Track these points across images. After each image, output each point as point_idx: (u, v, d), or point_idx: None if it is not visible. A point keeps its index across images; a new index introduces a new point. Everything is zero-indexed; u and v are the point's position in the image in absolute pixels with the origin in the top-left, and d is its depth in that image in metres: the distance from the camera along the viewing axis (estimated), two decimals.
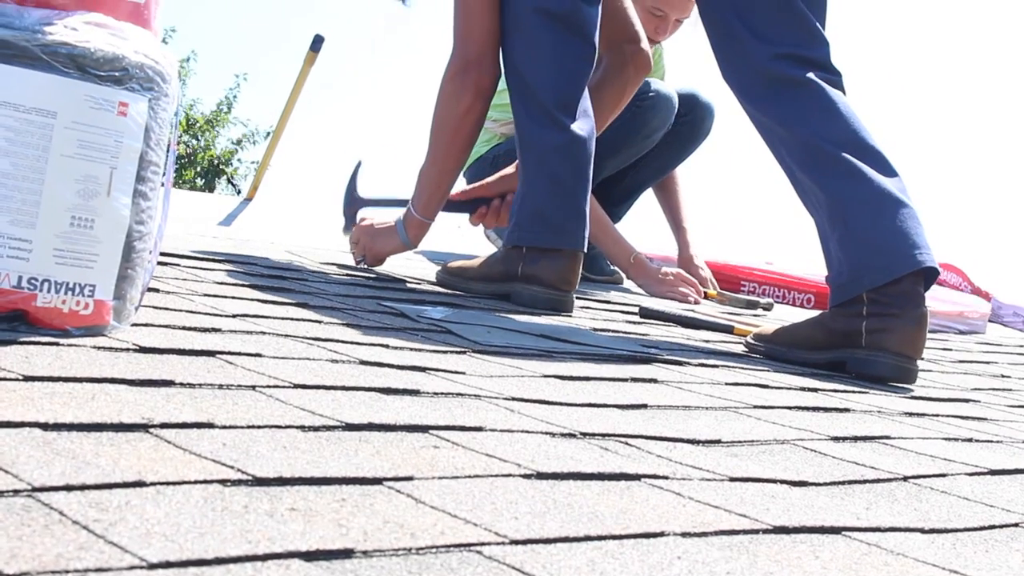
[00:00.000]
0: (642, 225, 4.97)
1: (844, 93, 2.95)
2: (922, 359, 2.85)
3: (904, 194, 2.80)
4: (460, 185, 3.66)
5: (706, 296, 4.46)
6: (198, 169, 26.87)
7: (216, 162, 27.32)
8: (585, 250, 3.17)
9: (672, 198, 4.84)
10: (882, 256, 2.75)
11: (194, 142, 27.04)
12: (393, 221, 3.34)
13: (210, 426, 1.32)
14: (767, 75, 2.93)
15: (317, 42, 5.52)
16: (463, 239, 5.20)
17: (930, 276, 2.80)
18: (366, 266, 3.39)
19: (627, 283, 4.56)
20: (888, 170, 2.83)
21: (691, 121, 4.53)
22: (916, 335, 2.75)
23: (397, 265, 3.60)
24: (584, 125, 3.14)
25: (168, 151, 1.80)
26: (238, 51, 44.05)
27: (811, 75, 2.90)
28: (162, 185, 1.81)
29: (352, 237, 3.45)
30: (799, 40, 2.94)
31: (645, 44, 3.57)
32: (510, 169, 3.66)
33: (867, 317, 2.75)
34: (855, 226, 2.79)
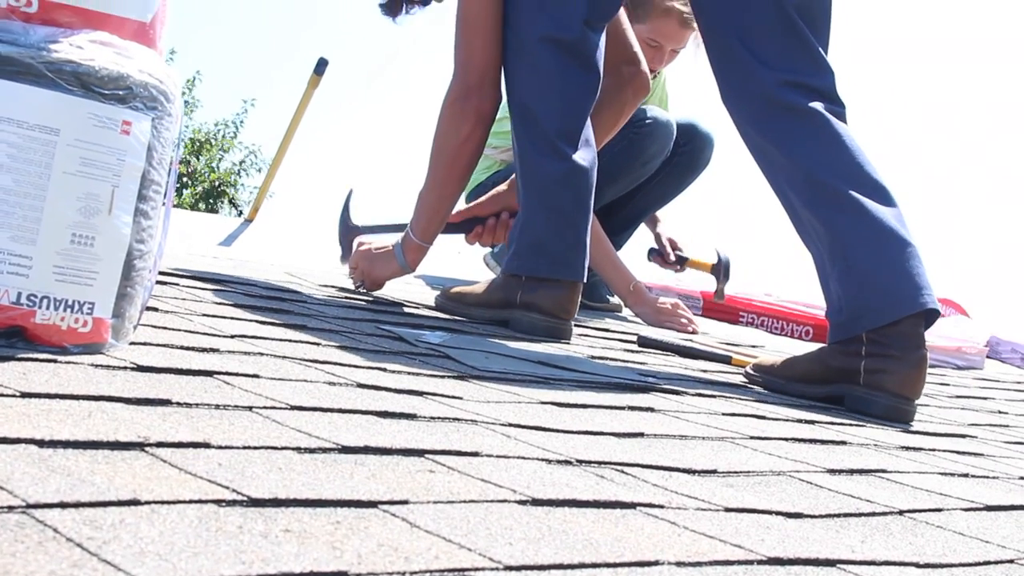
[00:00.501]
0: (641, 254, 4.98)
1: (846, 124, 2.94)
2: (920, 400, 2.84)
3: (905, 229, 2.78)
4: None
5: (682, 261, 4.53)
6: (199, 190, 26.86)
7: (218, 183, 27.33)
8: (584, 280, 3.17)
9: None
10: (883, 297, 2.74)
11: (195, 161, 27.06)
12: (391, 245, 3.34)
13: (206, 446, 1.32)
14: (771, 101, 2.92)
15: (321, 65, 5.53)
16: (462, 264, 5.20)
17: (931, 317, 2.78)
18: (365, 291, 3.39)
19: (625, 311, 4.56)
20: (888, 201, 2.81)
21: (690, 151, 4.53)
22: (915, 377, 2.74)
23: (396, 289, 3.60)
24: (586, 155, 3.13)
25: (170, 170, 1.81)
26: (244, 74, 44.14)
27: (816, 105, 2.89)
28: (163, 204, 1.81)
29: (351, 262, 3.45)
30: (804, 68, 2.93)
31: (644, 66, 3.58)
32: (503, 187, 3.67)
33: (866, 357, 2.75)
34: (856, 264, 2.78)
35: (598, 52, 3.16)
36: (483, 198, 3.70)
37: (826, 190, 2.82)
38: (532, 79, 3.13)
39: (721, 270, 4.46)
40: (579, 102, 3.15)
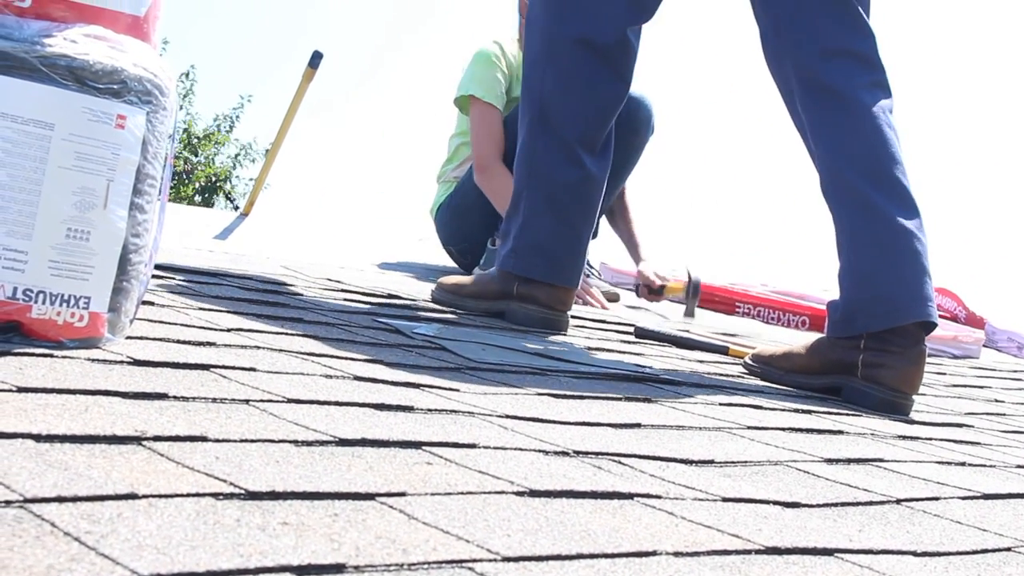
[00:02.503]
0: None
1: (889, 93, 2.87)
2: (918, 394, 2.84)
3: (918, 234, 2.74)
4: None
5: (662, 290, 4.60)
6: (196, 186, 26.84)
7: (214, 179, 27.31)
8: (577, 287, 3.16)
9: (626, 221, 4.90)
10: (880, 304, 2.73)
11: (193, 158, 27.03)
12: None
13: (203, 439, 1.32)
14: (811, 77, 2.86)
15: (316, 58, 5.53)
16: (424, 251, 5.24)
17: (927, 328, 2.77)
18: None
19: (625, 300, 4.58)
20: (907, 206, 2.77)
21: (626, 115, 4.45)
22: (914, 372, 2.73)
23: (391, 281, 3.60)
24: (602, 164, 3.11)
25: (165, 164, 1.81)
26: (240, 69, 44.02)
27: (856, 89, 2.82)
28: (158, 199, 1.81)
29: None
30: (844, 33, 2.87)
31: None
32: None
33: (864, 351, 2.74)
34: (859, 265, 2.76)
35: (633, 61, 3.10)
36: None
37: (841, 184, 2.80)
38: (560, 82, 3.05)
39: (690, 291, 4.61)
40: (606, 111, 3.09)
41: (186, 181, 26.39)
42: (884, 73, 2.90)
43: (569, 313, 3.15)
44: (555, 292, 3.09)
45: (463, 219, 4.50)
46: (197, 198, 26.60)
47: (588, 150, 3.07)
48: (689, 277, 4.64)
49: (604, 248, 5.26)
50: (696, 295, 4.63)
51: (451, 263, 4.80)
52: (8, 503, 0.98)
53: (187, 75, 27.41)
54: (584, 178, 3.07)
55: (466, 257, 4.60)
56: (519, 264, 3.11)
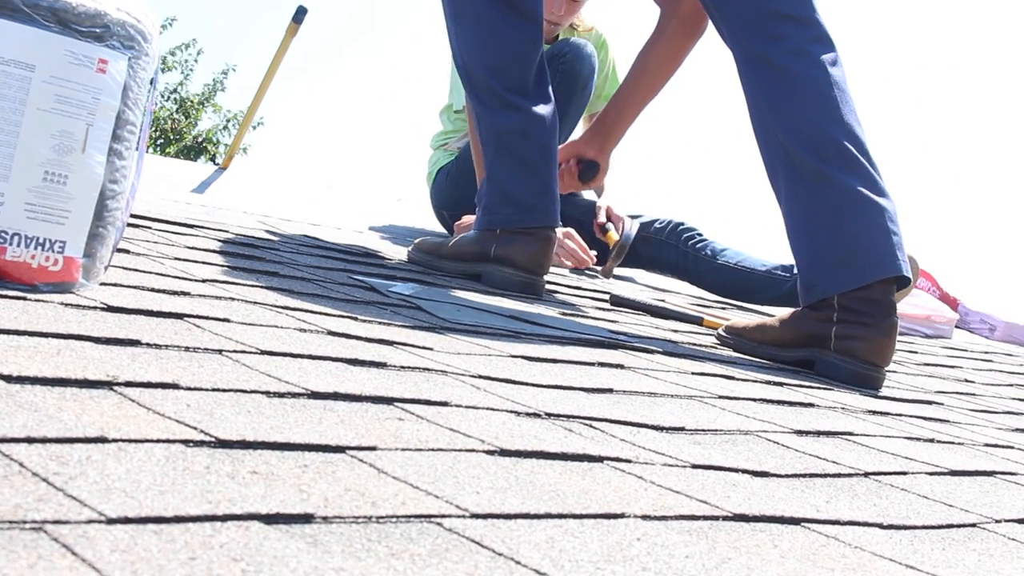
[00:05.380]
0: None
1: (830, 47, 2.84)
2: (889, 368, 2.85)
3: (875, 192, 2.74)
4: None
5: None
6: (180, 147, 26.68)
7: (200, 140, 27.15)
8: (559, 225, 3.16)
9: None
10: (841, 268, 2.73)
11: (183, 119, 26.86)
12: None
13: (175, 387, 1.31)
14: (745, 47, 2.86)
15: (300, 13, 5.48)
16: (403, 211, 5.22)
17: (901, 283, 2.78)
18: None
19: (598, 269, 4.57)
20: (856, 170, 2.75)
21: (566, 63, 4.43)
22: (886, 344, 2.74)
23: (369, 240, 3.59)
24: (542, 103, 3.12)
25: (145, 112, 1.79)
26: (226, 36, 43.70)
27: (788, 55, 2.81)
28: (137, 147, 1.80)
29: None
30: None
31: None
32: (575, 138, 3.66)
33: (837, 323, 2.75)
34: (816, 238, 2.77)
35: (538, 1, 3.12)
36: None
37: (786, 158, 2.80)
38: (473, 38, 3.10)
39: (615, 249, 4.38)
40: (524, 54, 3.11)
41: (174, 140, 26.24)
42: (822, 27, 2.86)
43: (546, 278, 3.15)
44: (534, 247, 3.08)
45: (462, 186, 4.48)
46: (181, 159, 26.44)
47: (520, 93, 3.10)
48: (623, 235, 4.45)
49: None
50: (620, 256, 4.42)
51: (430, 226, 4.79)
52: None
53: (188, 46, 27.14)
54: (528, 120, 3.09)
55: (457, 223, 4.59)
56: (493, 219, 3.11)
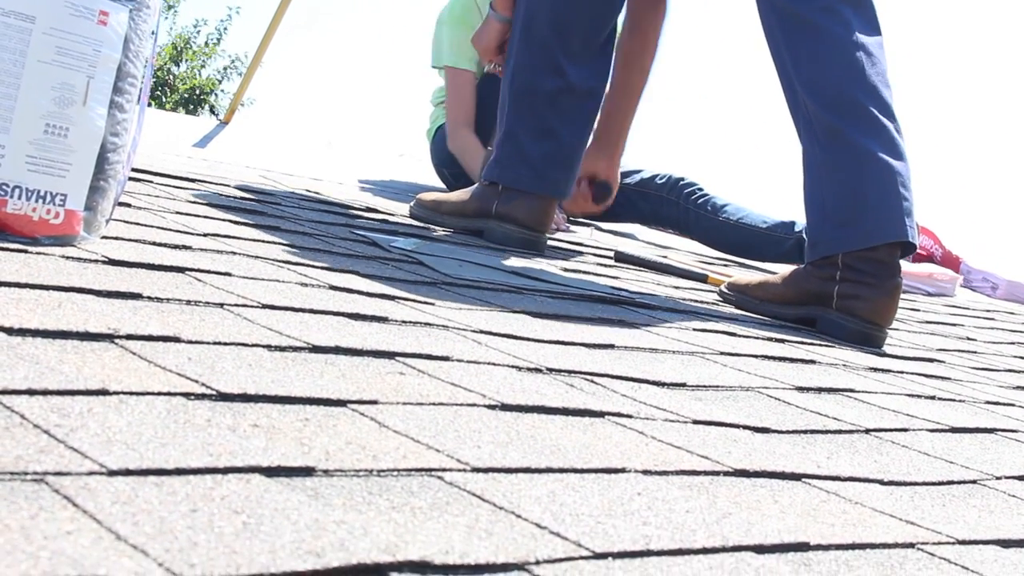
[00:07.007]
0: None
1: (862, 4, 2.82)
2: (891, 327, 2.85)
3: (894, 154, 2.72)
4: None
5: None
6: (177, 98, 26.54)
7: (198, 91, 27.02)
8: (567, 197, 3.15)
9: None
10: (848, 228, 2.72)
11: (176, 68, 26.71)
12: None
13: (176, 340, 1.31)
14: (780, 2, 2.82)
15: None
16: (404, 167, 5.20)
17: (905, 249, 2.77)
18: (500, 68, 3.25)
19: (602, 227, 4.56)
20: (876, 131, 2.73)
21: None
22: (888, 304, 2.73)
23: (371, 196, 3.58)
24: (589, 76, 3.05)
25: (146, 64, 1.78)
26: None
27: (817, 12, 2.77)
28: (138, 100, 1.79)
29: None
30: None
31: None
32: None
33: (840, 282, 2.74)
34: (828, 199, 2.76)
35: None
36: None
37: (806, 112, 2.79)
38: None
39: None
40: (598, 16, 3.04)
41: (168, 93, 26.10)
42: None
43: (548, 234, 3.14)
44: (536, 204, 3.06)
45: None
46: (181, 111, 26.30)
47: (572, 60, 3.02)
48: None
49: None
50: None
51: (431, 182, 4.78)
52: None
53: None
54: (563, 88, 3.02)
55: (459, 181, 4.58)
56: (504, 174, 3.08)
